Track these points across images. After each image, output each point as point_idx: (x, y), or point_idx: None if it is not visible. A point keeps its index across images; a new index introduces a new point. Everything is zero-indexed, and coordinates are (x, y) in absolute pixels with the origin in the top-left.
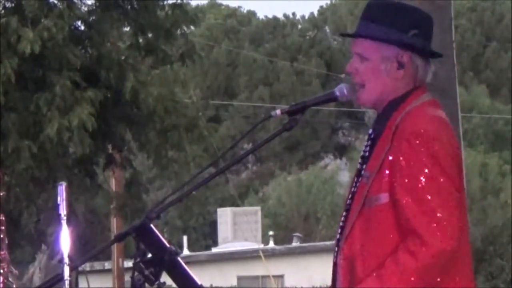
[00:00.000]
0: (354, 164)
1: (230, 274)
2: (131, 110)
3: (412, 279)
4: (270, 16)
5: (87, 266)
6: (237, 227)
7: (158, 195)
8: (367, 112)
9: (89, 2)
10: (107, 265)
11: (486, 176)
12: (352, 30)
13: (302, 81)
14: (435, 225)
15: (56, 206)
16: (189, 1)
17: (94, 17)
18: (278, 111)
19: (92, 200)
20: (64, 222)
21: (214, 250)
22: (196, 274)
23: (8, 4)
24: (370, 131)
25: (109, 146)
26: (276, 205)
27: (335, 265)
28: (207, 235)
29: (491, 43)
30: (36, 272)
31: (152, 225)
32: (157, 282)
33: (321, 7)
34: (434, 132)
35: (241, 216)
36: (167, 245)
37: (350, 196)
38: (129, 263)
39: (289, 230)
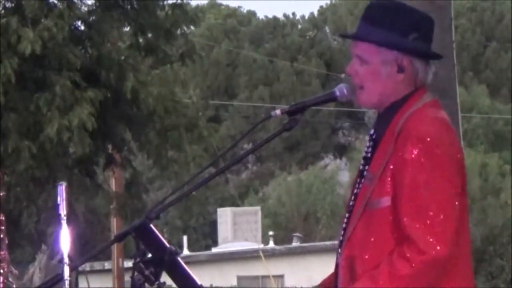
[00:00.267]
0: (354, 164)
1: (230, 274)
2: (131, 110)
3: (405, 284)
4: (270, 16)
5: (87, 266)
6: (237, 227)
7: (158, 195)
8: (367, 112)
9: (89, 2)
10: (107, 265)
11: (486, 176)
12: (352, 30)
13: (302, 81)
14: (431, 232)
15: (56, 206)
16: (189, 1)
17: (94, 17)
18: (278, 111)
19: (92, 200)
20: (64, 222)
21: (214, 250)
22: (196, 274)
23: (8, 4)
24: (372, 131)
25: (109, 146)
26: (276, 205)
27: (337, 266)
28: (207, 235)
29: (491, 43)
30: (36, 272)
31: (152, 225)
32: (157, 282)
33: (321, 7)
34: (436, 135)
35: (241, 216)
36: (167, 245)
37: (352, 197)
38: (129, 263)
39: (289, 230)
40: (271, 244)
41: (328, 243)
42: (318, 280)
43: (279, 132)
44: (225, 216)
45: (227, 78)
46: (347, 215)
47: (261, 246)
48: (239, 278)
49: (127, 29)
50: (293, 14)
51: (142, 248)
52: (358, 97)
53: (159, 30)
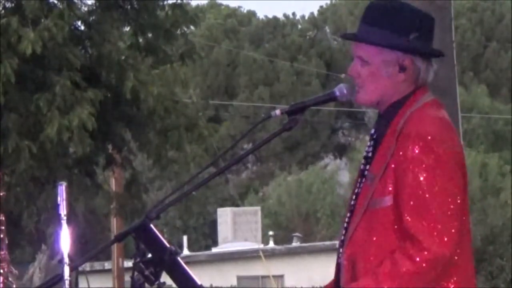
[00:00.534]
0: (354, 164)
1: (230, 274)
2: (131, 110)
3: (407, 282)
4: (270, 16)
5: (87, 266)
6: (237, 227)
7: (158, 195)
8: (367, 112)
9: (89, 2)
10: (107, 265)
11: (486, 176)
12: (353, 30)
13: (302, 81)
14: (433, 230)
15: (56, 206)
16: (189, 1)
17: (94, 17)
18: (278, 111)
19: (92, 200)
20: (64, 222)
21: (214, 250)
22: (196, 274)
23: (8, 4)
24: (373, 131)
25: (109, 146)
26: (276, 205)
27: (338, 265)
28: (207, 235)
29: (491, 43)
30: (36, 272)
31: (152, 225)
32: (157, 282)
33: (321, 7)
34: (437, 134)
35: (241, 216)
36: (167, 245)
37: (354, 197)
38: (129, 263)
39: (289, 230)
40: (271, 244)
41: (328, 243)
42: (318, 280)
43: (279, 132)
44: (225, 216)
45: (227, 78)
46: (348, 214)
47: (261, 246)
48: (239, 278)
49: (127, 29)
50: (293, 14)
51: (142, 248)
52: (358, 96)
53: (159, 30)
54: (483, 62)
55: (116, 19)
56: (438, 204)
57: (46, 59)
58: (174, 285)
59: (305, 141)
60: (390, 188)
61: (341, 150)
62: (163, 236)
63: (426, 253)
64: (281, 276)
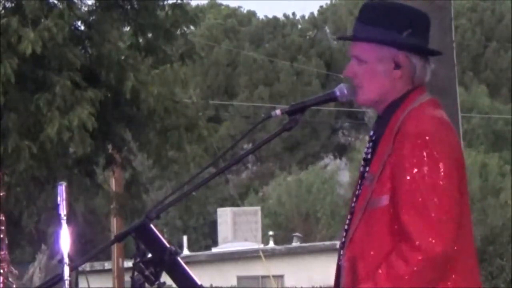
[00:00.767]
0: (354, 164)
1: (230, 274)
2: (131, 110)
3: (405, 283)
4: (270, 16)
5: (87, 266)
6: (237, 227)
7: (158, 195)
8: (367, 112)
9: (89, 2)
10: (107, 265)
11: (486, 176)
12: (351, 31)
13: (302, 81)
14: (429, 229)
15: (56, 206)
16: (189, 1)
17: (94, 17)
18: (278, 111)
19: (92, 200)
20: (64, 222)
21: (214, 250)
22: (196, 274)
23: (8, 4)
24: (372, 133)
25: (109, 146)
26: (276, 205)
27: (339, 267)
28: (207, 235)
29: (491, 43)
30: (36, 272)
31: (152, 225)
32: (157, 282)
33: (321, 7)
34: (435, 133)
35: (241, 216)
36: (167, 245)
37: (354, 199)
38: (129, 263)
39: (289, 230)
40: (271, 244)
41: (328, 243)
42: (318, 280)
43: (279, 132)
44: (225, 216)
45: (227, 78)
46: (349, 216)
47: (261, 246)
48: (239, 278)
49: (127, 29)
50: (293, 14)
51: (142, 248)
52: (357, 96)
53: (159, 30)
54: (483, 62)
55: (116, 19)
56: (434, 203)
57: (46, 59)
58: (174, 285)
59: (305, 141)
60: (387, 188)
61: (341, 150)
62: (163, 236)
63: (422, 253)
64: (281, 276)
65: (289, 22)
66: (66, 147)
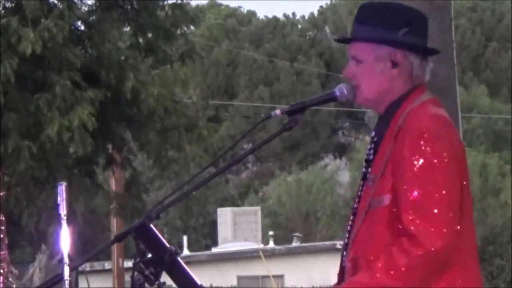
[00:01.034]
0: (354, 164)
1: (230, 274)
2: (131, 110)
3: (402, 275)
4: (270, 16)
5: (87, 266)
6: (237, 227)
7: (158, 195)
8: (367, 112)
9: (89, 2)
10: (107, 265)
11: (486, 176)
12: (349, 32)
13: (302, 81)
14: (430, 225)
15: (56, 206)
16: (189, 1)
17: (94, 17)
18: (278, 111)
19: (92, 200)
20: (64, 222)
21: (214, 250)
22: (196, 274)
23: (8, 4)
24: (373, 134)
25: (109, 146)
26: (276, 205)
27: (342, 268)
28: (207, 235)
29: (491, 43)
30: (36, 272)
31: (152, 225)
32: (157, 282)
33: (321, 7)
34: (436, 131)
35: (241, 216)
36: (167, 245)
37: (356, 200)
38: (129, 263)
39: (289, 230)
40: (271, 244)
41: (328, 243)
42: (318, 280)
43: (279, 132)
44: (225, 216)
45: (227, 78)
46: (351, 217)
47: (261, 246)
48: (239, 278)
49: (127, 29)
50: (293, 14)
51: (142, 248)
52: (356, 96)
53: (159, 30)
54: (483, 62)
55: (116, 19)
56: (435, 200)
57: (46, 59)
58: (174, 285)
59: (305, 141)
60: (389, 187)
61: (341, 150)
62: (163, 236)
63: (421, 248)
64: (281, 276)
65: (289, 22)
66: (66, 147)
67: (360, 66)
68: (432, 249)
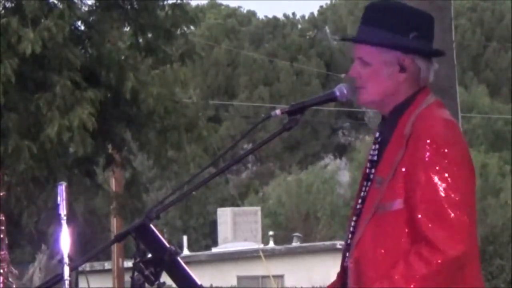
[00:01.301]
0: (354, 164)
1: (230, 274)
2: (131, 110)
3: (422, 284)
4: (270, 16)
5: (87, 266)
6: (237, 227)
7: (158, 195)
8: (367, 112)
9: (89, 2)
10: (107, 265)
11: (486, 176)
12: (352, 31)
13: (302, 81)
14: (448, 232)
15: (56, 206)
16: (189, 1)
17: (94, 17)
18: (278, 111)
19: (92, 200)
20: (64, 222)
21: (214, 250)
22: (196, 274)
23: (8, 4)
24: (377, 134)
25: (109, 146)
26: (276, 205)
27: (345, 268)
28: (207, 235)
29: (491, 43)
30: (36, 272)
31: (152, 225)
32: (157, 282)
33: (321, 7)
34: (448, 136)
35: (241, 216)
36: (167, 245)
37: (359, 201)
38: (129, 263)
39: (289, 230)
40: (271, 244)
41: (328, 243)
42: (318, 280)
43: (279, 132)
44: (225, 216)
45: (227, 78)
46: (354, 218)
47: (261, 246)
48: (239, 278)
49: (127, 29)
50: (293, 14)
51: (142, 248)
52: (359, 96)
53: (159, 30)
54: (483, 62)
55: (116, 19)
56: (453, 206)
57: (46, 59)
58: (174, 285)
59: (305, 141)
60: (401, 191)
61: (341, 150)
62: (163, 236)
63: (441, 255)
64: (281, 276)
65: (289, 22)
66: (66, 147)
67: (367, 68)
68: (452, 255)
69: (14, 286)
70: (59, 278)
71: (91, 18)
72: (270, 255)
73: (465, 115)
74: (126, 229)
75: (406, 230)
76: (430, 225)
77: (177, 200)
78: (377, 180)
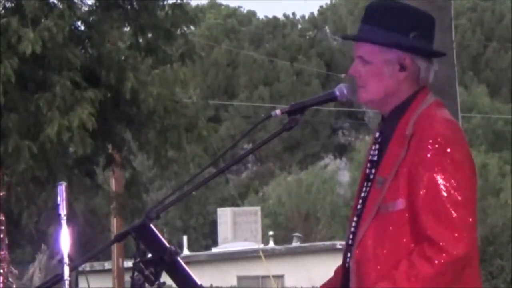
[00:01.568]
0: (354, 164)
1: (230, 274)
2: (131, 110)
3: (426, 284)
4: (270, 16)
5: (87, 266)
6: (237, 227)
7: (158, 195)
8: (367, 112)
9: (89, 2)
10: (107, 265)
11: (486, 176)
12: (353, 30)
13: (302, 81)
14: (451, 231)
15: (56, 206)
16: (189, 1)
17: (94, 17)
18: (278, 111)
19: (92, 200)
20: (64, 222)
21: (214, 250)
22: (196, 274)
23: (8, 4)
24: (377, 134)
25: (109, 146)
26: (276, 205)
27: (346, 269)
28: (207, 235)
29: (491, 43)
30: (36, 272)
31: (152, 225)
32: (157, 282)
33: (321, 7)
34: (450, 136)
35: (241, 216)
36: (167, 245)
37: (360, 201)
38: (129, 263)
39: (289, 230)
40: (271, 244)
41: (328, 243)
42: (318, 280)
43: (279, 132)
44: (225, 216)
45: (227, 78)
46: (355, 219)
47: (261, 246)
48: (239, 278)
49: (127, 29)
50: (293, 14)
51: (142, 248)
52: (359, 95)
53: (159, 30)
54: (483, 62)
55: (116, 19)
56: (456, 206)
57: (46, 59)
58: (174, 285)
59: (305, 141)
60: (403, 192)
61: (341, 150)
62: (163, 236)
63: (444, 255)
64: (281, 276)
65: (289, 22)
66: (66, 147)
67: (367, 66)
68: (455, 255)
69: (14, 286)
70: (59, 278)
71: (91, 18)
72: (270, 255)
73: (465, 115)
74: (126, 229)
75: (408, 230)
76: (433, 225)
77: (177, 200)
78: (378, 180)
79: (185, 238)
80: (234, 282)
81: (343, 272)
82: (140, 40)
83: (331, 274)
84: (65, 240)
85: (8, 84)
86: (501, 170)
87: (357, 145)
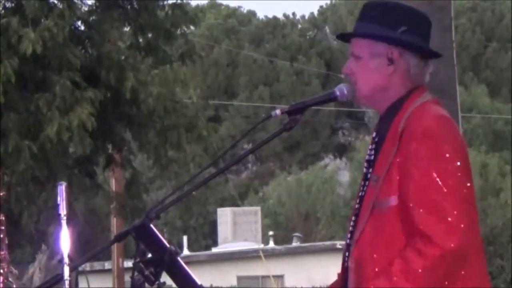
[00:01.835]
0: (354, 164)
1: (230, 274)
2: (131, 110)
3: (420, 278)
4: (270, 16)
5: (87, 266)
6: (237, 227)
7: (158, 195)
8: (367, 112)
9: (89, 2)
10: (107, 265)
11: (486, 176)
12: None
13: (302, 81)
14: (443, 225)
15: (56, 206)
16: (189, 1)
17: (94, 17)
18: (278, 111)
19: (92, 200)
20: (64, 222)
21: (214, 250)
22: (196, 274)
23: (8, 4)
24: (374, 134)
25: (109, 146)
26: (276, 205)
27: (345, 269)
28: (207, 235)
29: (491, 43)
30: (36, 272)
31: (152, 225)
32: (157, 282)
33: (321, 7)
34: (441, 131)
35: (241, 216)
36: (167, 245)
37: (358, 200)
38: (129, 263)
39: (289, 230)
40: (271, 244)
41: (328, 243)
42: (318, 280)
43: (279, 132)
44: (225, 216)
45: (227, 78)
46: (353, 218)
47: (261, 246)
48: (239, 278)
49: (127, 29)
50: (293, 14)
51: (142, 248)
52: (355, 94)
53: (159, 30)
54: (483, 62)
55: (116, 19)
56: (446, 199)
57: (46, 59)
58: (174, 285)
59: (305, 141)
60: (395, 188)
61: (341, 150)
62: (163, 236)
63: (436, 248)
64: (281, 276)
65: (289, 22)
66: (66, 147)
67: (358, 62)
68: (448, 248)
69: (14, 286)
70: (59, 278)
71: (91, 18)
72: (270, 255)
73: (465, 115)
74: (126, 229)
75: (402, 226)
76: (424, 219)
77: (177, 200)
78: (373, 178)
79: (185, 238)
80: (234, 282)
81: (343, 272)
82: (140, 40)
83: (331, 274)
84: (65, 240)
85: (8, 84)
86: (501, 170)
87: (357, 145)
